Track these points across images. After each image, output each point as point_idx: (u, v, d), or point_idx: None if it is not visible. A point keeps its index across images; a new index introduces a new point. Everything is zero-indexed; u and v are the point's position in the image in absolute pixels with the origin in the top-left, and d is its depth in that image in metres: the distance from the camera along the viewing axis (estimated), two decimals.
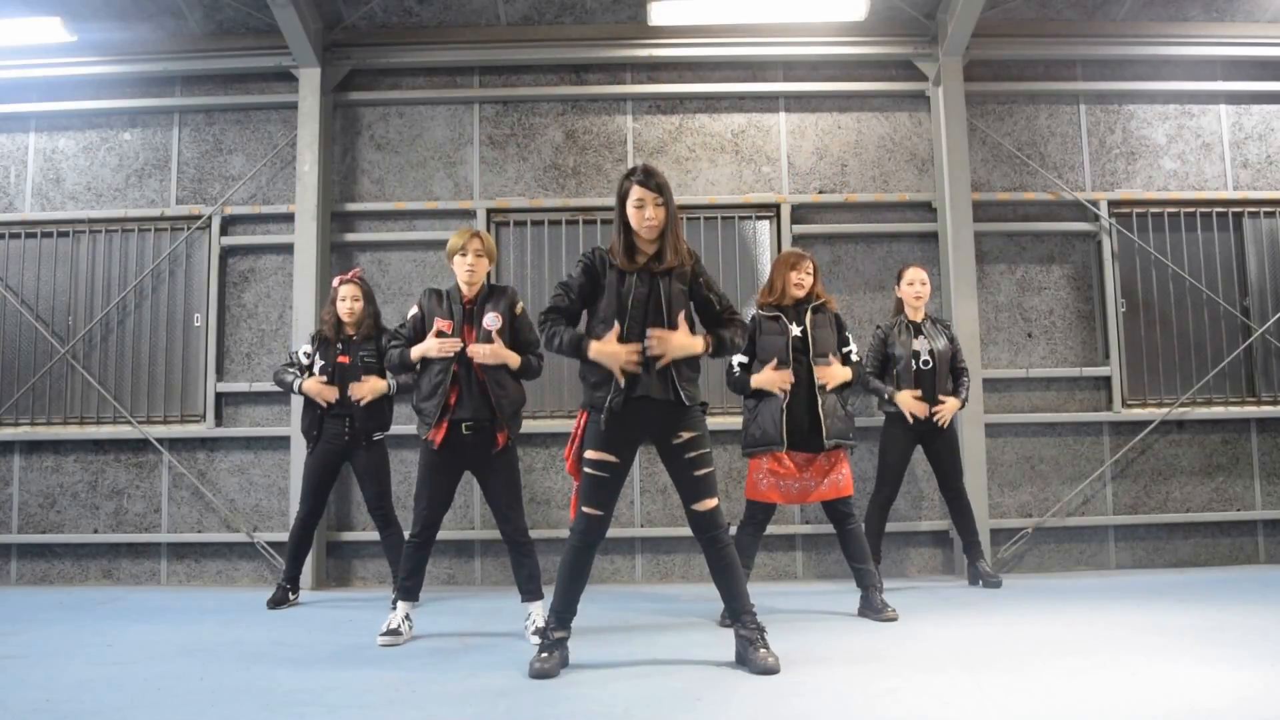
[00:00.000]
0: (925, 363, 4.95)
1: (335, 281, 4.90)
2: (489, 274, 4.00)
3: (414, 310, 3.95)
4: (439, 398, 3.77)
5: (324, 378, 4.76)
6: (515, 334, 3.91)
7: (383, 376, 4.79)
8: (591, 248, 3.37)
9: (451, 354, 3.76)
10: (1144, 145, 6.13)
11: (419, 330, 3.89)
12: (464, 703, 2.84)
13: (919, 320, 5.06)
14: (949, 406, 4.91)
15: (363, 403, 4.73)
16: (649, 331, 3.14)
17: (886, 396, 4.92)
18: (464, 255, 3.87)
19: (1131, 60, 6.12)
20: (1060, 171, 6.07)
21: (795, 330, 4.21)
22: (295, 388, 4.78)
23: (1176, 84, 6.12)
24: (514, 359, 3.80)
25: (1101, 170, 6.10)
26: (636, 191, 3.20)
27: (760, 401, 4.18)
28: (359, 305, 4.82)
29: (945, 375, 4.97)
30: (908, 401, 4.87)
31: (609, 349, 3.13)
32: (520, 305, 3.95)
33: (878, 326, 5.16)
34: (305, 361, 4.85)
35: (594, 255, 3.31)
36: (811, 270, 4.32)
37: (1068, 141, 6.12)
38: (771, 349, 4.19)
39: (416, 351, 3.82)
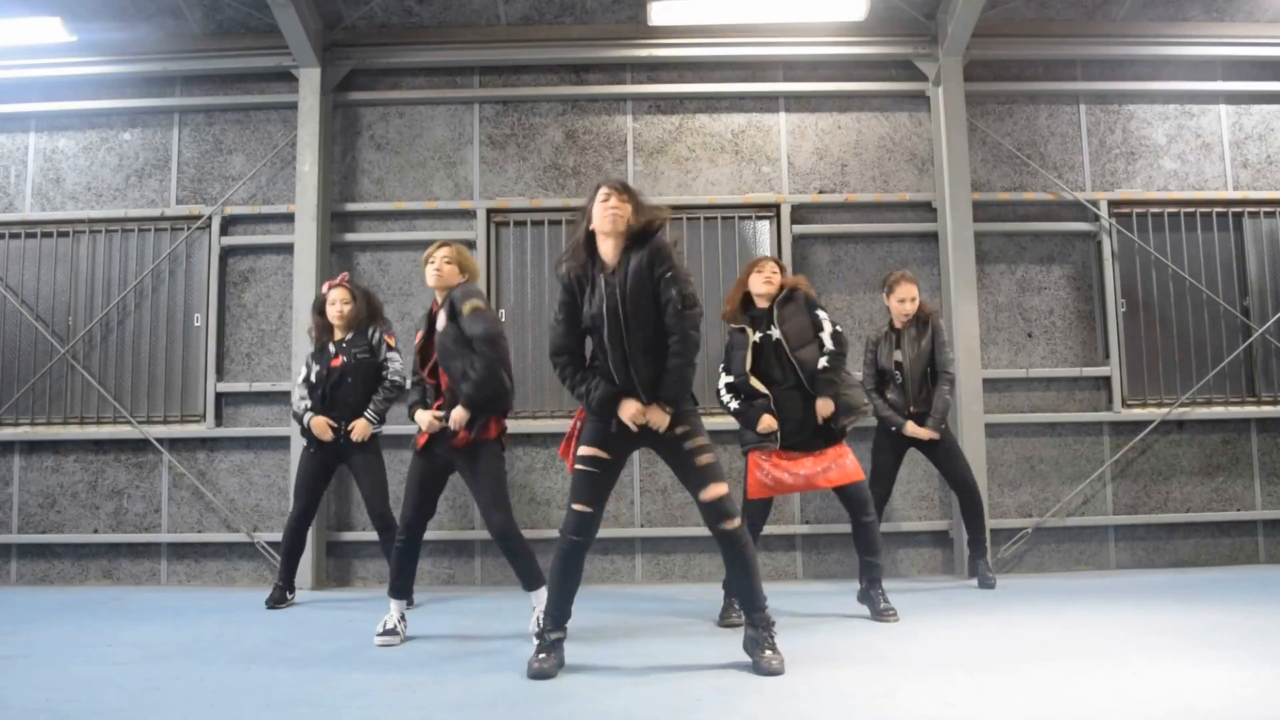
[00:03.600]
0: (906, 374, 4.96)
1: (325, 287, 4.91)
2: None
3: (420, 333, 4.08)
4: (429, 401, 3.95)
5: (319, 383, 4.82)
6: (460, 331, 3.82)
7: (379, 372, 4.84)
8: (561, 274, 3.32)
9: (435, 427, 3.88)
10: (1144, 145, 6.13)
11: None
12: (464, 703, 2.84)
13: (901, 328, 5.03)
14: (925, 434, 4.90)
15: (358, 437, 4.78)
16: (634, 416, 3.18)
17: (894, 429, 4.91)
18: (431, 263, 3.98)
19: (1131, 60, 6.12)
20: (1060, 171, 6.07)
21: (755, 336, 4.19)
22: (305, 423, 4.81)
23: (1176, 84, 6.12)
24: (463, 416, 3.79)
25: (1101, 170, 6.10)
26: (603, 191, 3.22)
27: (747, 406, 4.18)
28: (349, 309, 4.82)
29: (919, 380, 4.95)
30: (915, 430, 4.88)
31: (629, 411, 3.18)
32: (468, 305, 3.81)
33: (867, 339, 5.15)
34: (315, 381, 4.85)
35: (566, 277, 3.28)
36: (777, 269, 4.29)
37: (1068, 141, 6.12)
38: (737, 362, 4.22)
39: (416, 415, 3.96)
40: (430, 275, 3.97)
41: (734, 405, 4.25)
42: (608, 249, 3.23)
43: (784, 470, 4.15)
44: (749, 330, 4.23)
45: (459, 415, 3.78)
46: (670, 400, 3.21)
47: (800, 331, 4.17)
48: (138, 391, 5.92)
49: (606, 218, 3.18)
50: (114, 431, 5.84)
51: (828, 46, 6.01)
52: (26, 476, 5.88)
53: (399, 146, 6.08)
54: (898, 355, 4.99)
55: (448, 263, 3.97)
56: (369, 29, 6.06)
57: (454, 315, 3.83)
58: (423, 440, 3.91)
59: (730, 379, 4.26)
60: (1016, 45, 6.05)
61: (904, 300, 4.98)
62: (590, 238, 3.26)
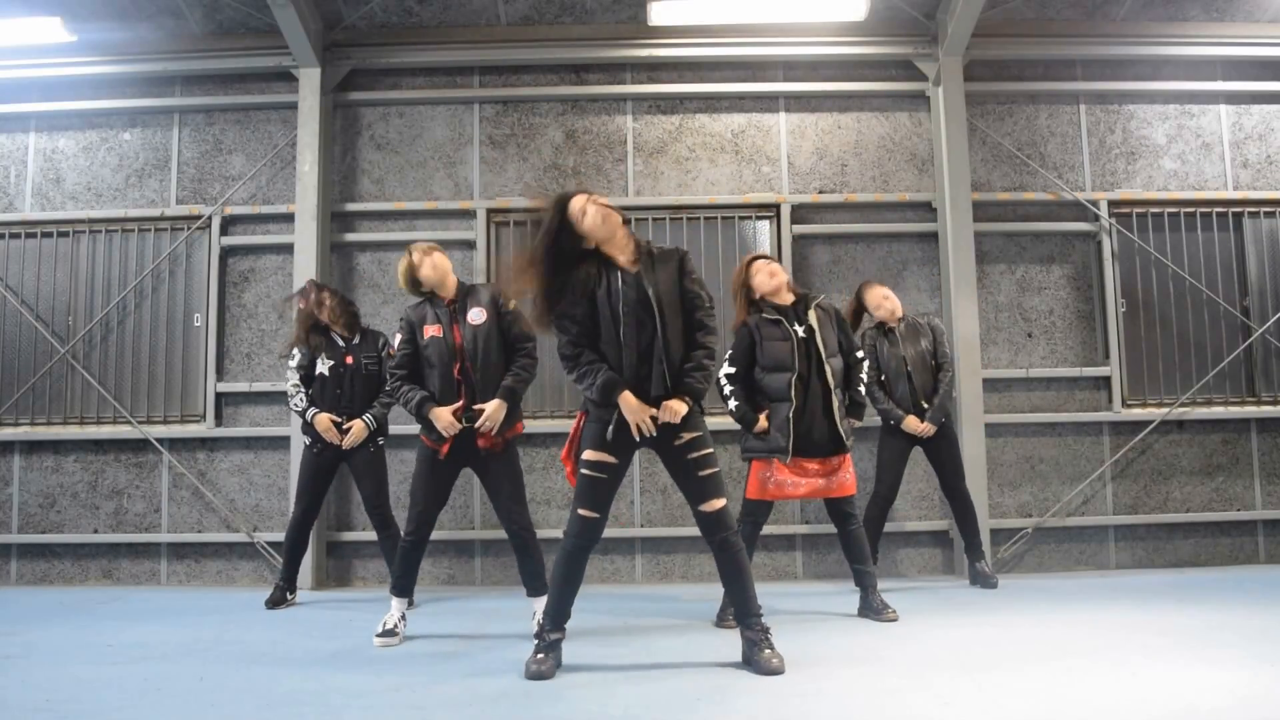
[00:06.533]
0: (910, 371, 4.97)
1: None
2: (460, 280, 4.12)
3: (399, 336, 4.02)
4: (447, 401, 3.88)
5: (332, 370, 4.81)
6: (504, 331, 3.97)
7: (380, 383, 4.83)
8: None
9: (455, 428, 3.83)
10: (1144, 145, 6.13)
11: (413, 350, 3.96)
12: (463, 704, 2.84)
13: (893, 326, 5.04)
14: (924, 429, 4.91)
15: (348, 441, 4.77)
16: (663, 407, 3.18)
17: (893, 423, 4.94)
18: (424, 260, 3.97)
19: (1131, 60, 6.12)
20: (1060, 171, 6.07)
21: (800, 331, 4.09)
22: (308, 419, 4.79)
23: (1176, 84, 6.12)
24: (502, 410, 3.86)
25: (1101, 170, 6.10)
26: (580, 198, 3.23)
27: (766, 406, 4.11)
28: (334, 301, 4.88)
29: (925, 376, 4.97)
30: (915, 425, 4.90)
31: (633, 404, 3.16)
32: (512, 302, 3.99)
33: (863, 334, 5.08)
34: (299, 374, 4.84)
35: (577, 275, 3.25)
36: (777, 268, 4.23)
37: (1068, 141, 6.12)
38: (776, 354, 4.04)
39: (433, 414, 3.85)
40: (429, 269, 3.96)
41: (734, 404, 4.11)
42: (618, 250, 3.25)
43: (787, 477, 4.12)
44: (788, 324, 4.09)
45: (498, 410, 3.83)
46: (696, 395, 3.25)
47: (830, 340, 4.14)
48: (138, 391, 5.92)
49: (603, 221, 3.20)
50: (114, 431, 5.83)
51: (828, 46, 6.01)
52: (26, 476, 5.88)
53: (399, 146, 6.08)
54: (903, 350, 4.97)
55: (439, 253, 4.02)
56: (369, 29, 6.06)
57: (499, 312, 3.95)
58: (446, 449, 3.85)
59: (733, 370, 4.13)
60: (1016, 45, 6.05)
61: (879, 306, 5.00)
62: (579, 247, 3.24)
